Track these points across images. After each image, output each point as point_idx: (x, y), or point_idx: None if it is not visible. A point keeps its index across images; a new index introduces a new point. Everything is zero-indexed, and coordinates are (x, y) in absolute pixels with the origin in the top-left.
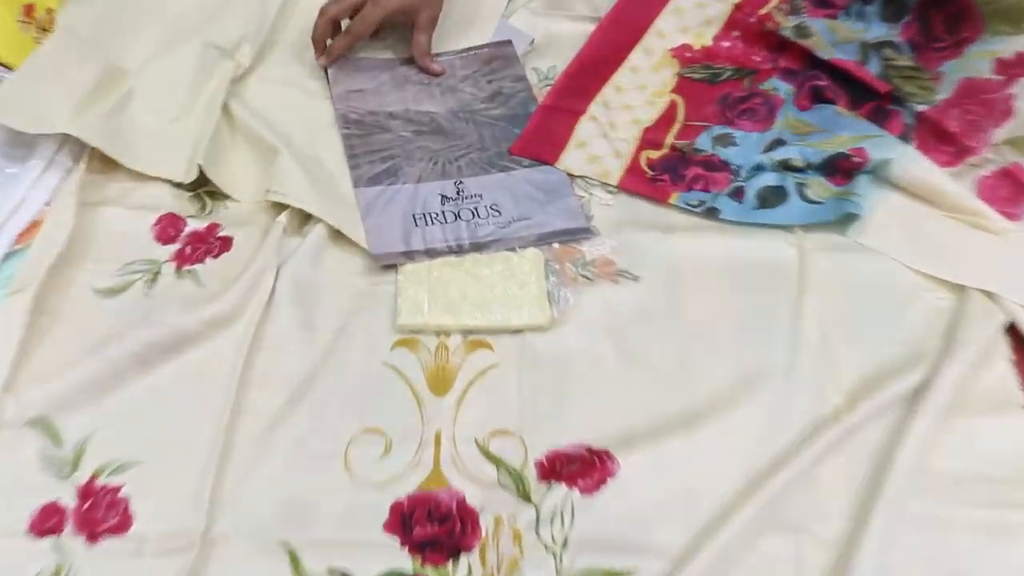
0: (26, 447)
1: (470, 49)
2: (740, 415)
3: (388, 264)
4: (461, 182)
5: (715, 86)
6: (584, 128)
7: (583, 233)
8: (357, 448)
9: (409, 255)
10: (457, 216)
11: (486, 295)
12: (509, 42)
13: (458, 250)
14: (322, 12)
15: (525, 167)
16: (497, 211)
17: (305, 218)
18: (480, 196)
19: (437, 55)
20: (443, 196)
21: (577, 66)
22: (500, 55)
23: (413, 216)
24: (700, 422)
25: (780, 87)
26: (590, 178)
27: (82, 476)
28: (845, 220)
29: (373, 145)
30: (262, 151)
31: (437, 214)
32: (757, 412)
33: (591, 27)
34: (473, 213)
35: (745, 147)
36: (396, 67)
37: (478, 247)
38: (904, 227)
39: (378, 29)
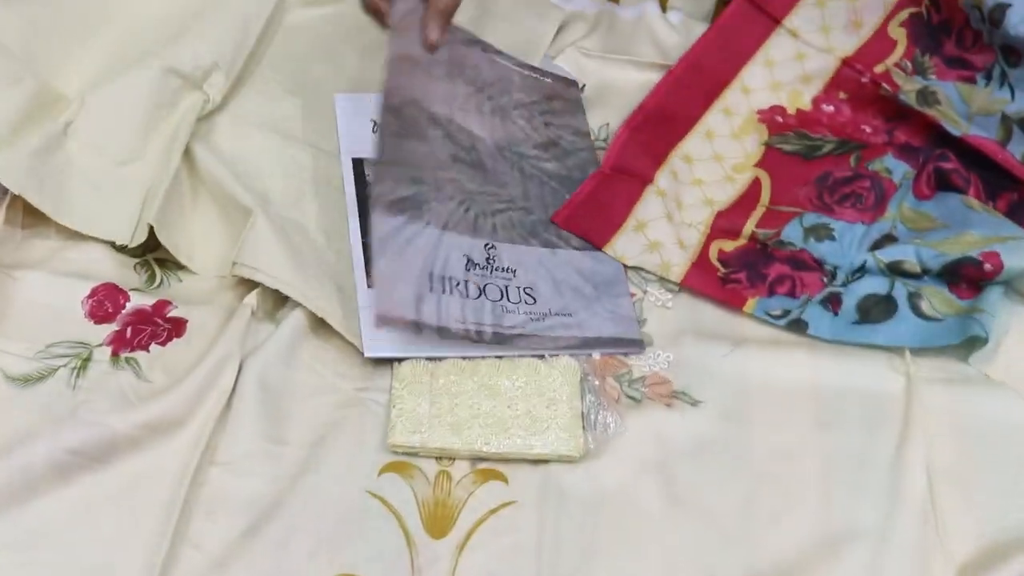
0: None
1: (533, 69)
2: None
3: (382, 358)
4: (493, 247)
5: (812, 162)
6: (649, 205)
7: (634, 347)
8: None
9: (417, 328)
10: (482, 292)
11: (504, 414)
12: (575, 83)
13: (477, 338)
14: None
15: (575, 248)
16: (531, 297)
17: (280, 300)
18: (513, 272)
19: (484, 47)
20: (469, 259)
21: (641, 118)
22: (564, 96)
23: (431, 275)
24: None
25: (895, 168)
26: (646, 271)
27: None
28: (968, 344)
29: (403, 154)
30: (230, 211)
31: (459, 282)
32: None
33: (657, 77)
34: (502, 292)
35: (845, 242)
36: (456, 43)
37: (501, 339)
38: None
39: None
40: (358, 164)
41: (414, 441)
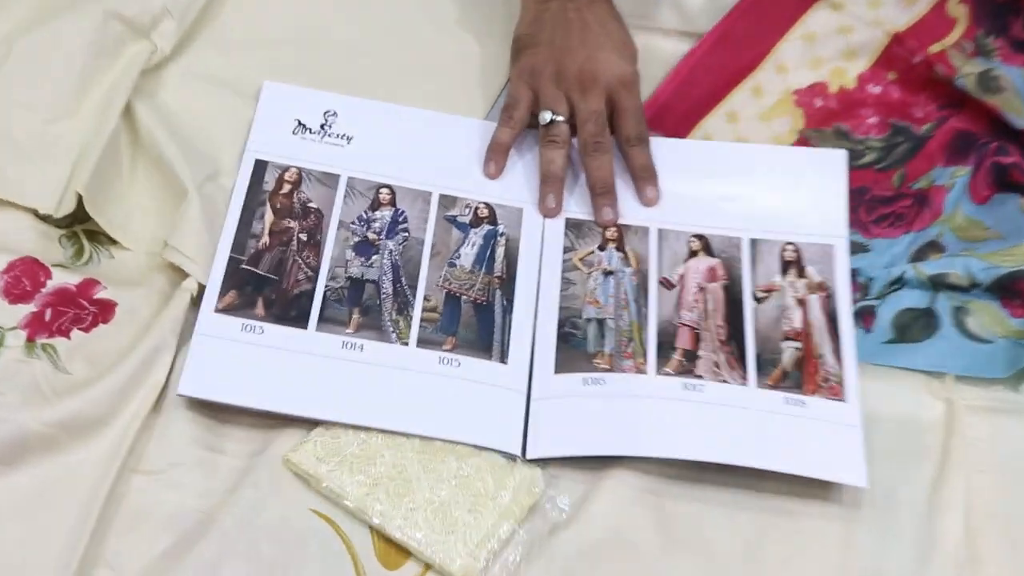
0: None
1: None
2: None
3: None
4: None
5: (851, 171)
6: None
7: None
8: None
9: None
10: None
11: (421, 494)
12: None
13: None
14: (513, 105)
15: None
16: None
17: None
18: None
19: None
20: None
21: (654, 109)
22: None
23: None
24: None
25: (941, 177)
26: None
27: None
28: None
29: None
30: (169, 183)
31: None
32: None
33: (685, 47)
34: None
35: (881, 252)
36: None
37: None
38: None
39: None
40: (260, 167)
41: (311, 469)
